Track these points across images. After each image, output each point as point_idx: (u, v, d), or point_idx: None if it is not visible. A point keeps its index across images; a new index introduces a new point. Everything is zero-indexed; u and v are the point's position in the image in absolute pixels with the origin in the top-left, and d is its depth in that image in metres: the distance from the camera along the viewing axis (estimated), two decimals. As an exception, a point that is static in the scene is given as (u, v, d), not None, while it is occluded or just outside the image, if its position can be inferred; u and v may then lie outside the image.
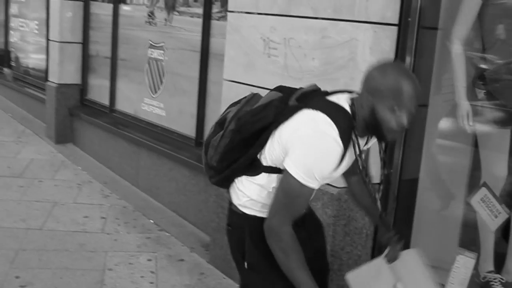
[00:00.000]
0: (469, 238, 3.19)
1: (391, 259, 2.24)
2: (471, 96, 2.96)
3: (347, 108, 1.94)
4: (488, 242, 3.08)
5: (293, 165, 1.88)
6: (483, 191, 2.75)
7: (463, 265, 2.87)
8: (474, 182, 3.21)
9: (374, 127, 1.90)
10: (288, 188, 1.90)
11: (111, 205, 4.80)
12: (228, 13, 3.69)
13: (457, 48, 2.94)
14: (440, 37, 3.11)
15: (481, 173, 3.09)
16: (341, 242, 3.05)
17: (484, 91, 2.91)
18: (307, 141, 1.88)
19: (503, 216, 2.72)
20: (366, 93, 1.89)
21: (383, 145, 2.10)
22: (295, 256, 1.93)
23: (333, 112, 1.89)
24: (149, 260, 3.86)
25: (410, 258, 2.27)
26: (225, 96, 3.73)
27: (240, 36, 3.58)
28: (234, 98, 3.50)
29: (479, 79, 2.93)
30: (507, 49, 2.88)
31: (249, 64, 3.52)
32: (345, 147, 1.87)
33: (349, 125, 1.89)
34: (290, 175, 1.88)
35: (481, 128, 2.96)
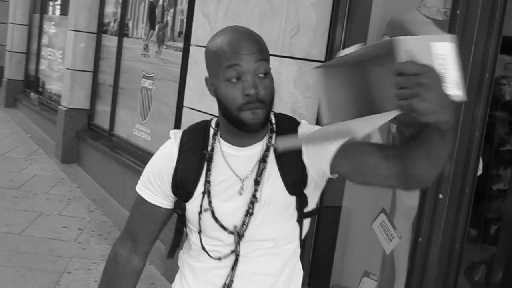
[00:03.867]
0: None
1: None
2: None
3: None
4: (400, 266, 3.29)
5: None
6: (381, 216, 2.99)
7: (367, 286, 3.11)
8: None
9: (224, 116, 1.46)
10: None
11: (92, 219, 5.17)
12: (191, 47, 4.07)
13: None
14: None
15: (396, 202, 3.32)
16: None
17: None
18: None
19: (395, 240, 2.95)
20: (206, 79, 1.52)
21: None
22: (101, 281, 1.72)
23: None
24: (108, 268, 4.19)
25: None
26: (184, 122, 4.09)
27: (197, 67, 3.95)
28: (191, 124, 3.89)
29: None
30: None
31: (203, 92, 3.87)
32: (191, 147, 1.54)
33: (199, 125, 1.59)
34: None
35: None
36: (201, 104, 3.89)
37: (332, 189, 3.44)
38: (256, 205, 1.49)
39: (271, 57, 3.00)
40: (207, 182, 1.51)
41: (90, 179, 6.43)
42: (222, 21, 3.69)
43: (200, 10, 3.95)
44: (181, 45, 4.90)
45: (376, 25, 3.35)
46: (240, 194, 1.50)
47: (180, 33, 5.03)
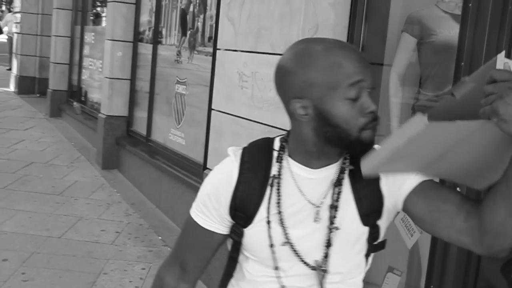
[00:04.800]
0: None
1: None
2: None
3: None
4: (416, 262, 3.29)
5: None
6: (402, 212, 3.00)
7: (391, 282, 3.12)
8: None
9: (335, 139, 1.29)
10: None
11: (129, 223, 5.31)
12: (217, 51, 4.16)
13: (394, 83, 3.25)
14: (386, 72, 3.43)
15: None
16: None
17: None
18: None
19: (416, 235, 2.96)
20: (292, 101, 1.30)
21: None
22: None
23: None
24: (143, 269, 4.31)
25: None
26: (213, 124, 4.17)
27: (223, 70, 4.03)
28: (219, 126, 4.00)
29: (411, 110, 3.21)
30: (437, 82, 3.15)
31: (229, 95, 3.95)
32: (253, 166, 1.39)
33: (260, 142, 1.44)
34: None
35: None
36: (228, 106, 3.97)
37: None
38: (334, 234, 1.35)
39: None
40: (277, 208, 1.36)
41: (129, 184, 6.59)
42: (246, 24, 3.77)
43: (225, 15, 4.04)
44: (211, 50, 4.99)
45: (395, 22, 3.37)
46: (316, 221, 1.36)
47: (210, 38, 5.13)
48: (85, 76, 9.51)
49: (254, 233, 1.38)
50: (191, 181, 5.03)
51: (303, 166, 1.36)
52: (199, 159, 5.20)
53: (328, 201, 1.35)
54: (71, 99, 10.11)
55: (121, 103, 7.12)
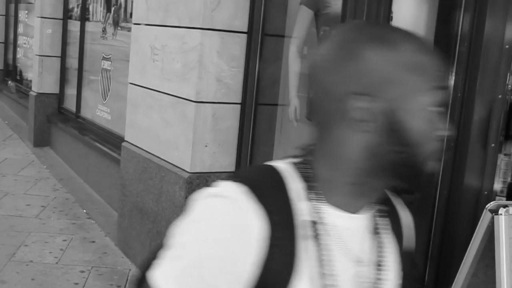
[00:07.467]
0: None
1: None
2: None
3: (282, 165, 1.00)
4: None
5: None
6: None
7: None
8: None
9: (393, 164, 0.92)
10: None
11: (56, 197, 5.37)
12: (132, 25, 4.24)
13: (292, 53, 3.40)
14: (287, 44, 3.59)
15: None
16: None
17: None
18: None
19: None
20: (351, 97, 0.90)
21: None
22: None
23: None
24: (64, 240, 4.40)
25: None
26: (129, 98, 4.26)
27: (138, 44, 4.12)
28: (135, 99, 4.08)
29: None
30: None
31: (143, 68, 4.05)
32: (283, 217, 0.93)
33: (267, 177, 0.96)
34: None
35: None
36: (142, 79, 4.06)
37: (261, 153, 3.62)
38: None
39: (193, 30, 3.12)
40: (321, 280, 0.94)
41: (60, 160, 6.63)
42: (156, -2, 3.86)
43: (139, -10, 4.12)
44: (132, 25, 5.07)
45: (294, -4, 3.52)
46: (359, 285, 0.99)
47: (131, 14, 5.19)
48: (19, 54, 9.42)
49: None
50: (115, 155, 5.11)
51: (339, 211, 0.96)
52: (123, 133, 5.28)
53: (370, 256, 1.00)
54: (7, 78, 9.99)
55: (52, 81, 7.11)
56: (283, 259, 0.91)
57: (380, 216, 1.03)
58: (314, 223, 0.94)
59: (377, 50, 0.90)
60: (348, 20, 2.69)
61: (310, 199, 0.94)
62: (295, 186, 0.94)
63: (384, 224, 1.03)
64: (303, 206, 0.93)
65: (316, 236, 0.93)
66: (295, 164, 0.97)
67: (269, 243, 0.89)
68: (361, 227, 0.99)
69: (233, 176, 0.94)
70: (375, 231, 1.02)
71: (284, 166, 0.97)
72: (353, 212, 0.97)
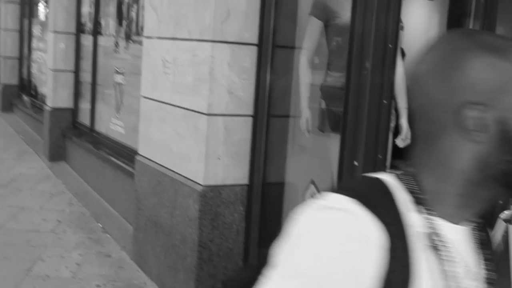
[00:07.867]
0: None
1: None
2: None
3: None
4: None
5: None
6: (312, 188, 3.17)
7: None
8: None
9: (506, 175, 0.92)
10: None
11: (71, 211, 5.39)
12: (143, 39, 4.26)
13: (303, 64, 3.40)
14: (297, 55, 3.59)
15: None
16: (209, 234, 3.50)
17: (324, 101, 3.35)
18: None
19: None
20: (466, 106, 0.89)
21: None
22: None
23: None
24: (80, 255, 4.41)
25: None
26: (142, 111, 4.28)
27: (150, 58, 4.14)
28: (147, 112, 4.09)
29: (320, 90, 3.37)
30: (342, 63, 3.31)
31: (154, 82, 4.06)
32: (399, 228, 0.92)
33: (376, 189, 0.95)
34: None
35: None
36: (154, 92, 4.08)
37: (275, 165, 3.62)
38: None
39: (204, 43, 3.12)
40: None
41: (75, 175, 6.66)
42: (167, 11, 3.88)
43: (149, 3, 4.14)
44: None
45: (304, 7, 3.51)
46: None
47: (142, 27, 5.22)
48: (34, 69, 9.51)
49: None
50: (129, 168, 5.12)
51: (448, 222, 0.95)
52: (137, 146, 5.30)
53: (478, 270, 0.98)
54: (22, 93, 10.10)
55: (65, 95, 7.16)
56: (403, 271, 0.88)
57: (479, 230, 1.01)
58: (430, 234, 0.92)
59: (489, 58, 0.89)
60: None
61: (419, 211, 0.93)
62: (402, 197, 0.93)
63: (483, 237, 1.02)
64: (414, 218, 0.92)
65: (436, 248, 0.92)
66: (398, 175, 0.96)
67: (389, 254, 0.87)
68: (466, 239, 0.98)
69: (339, 189, 0.92)
70: (481, 242, 1.00)
71: (388, 178, 0.96)
72: (457, 223, 0.96)
